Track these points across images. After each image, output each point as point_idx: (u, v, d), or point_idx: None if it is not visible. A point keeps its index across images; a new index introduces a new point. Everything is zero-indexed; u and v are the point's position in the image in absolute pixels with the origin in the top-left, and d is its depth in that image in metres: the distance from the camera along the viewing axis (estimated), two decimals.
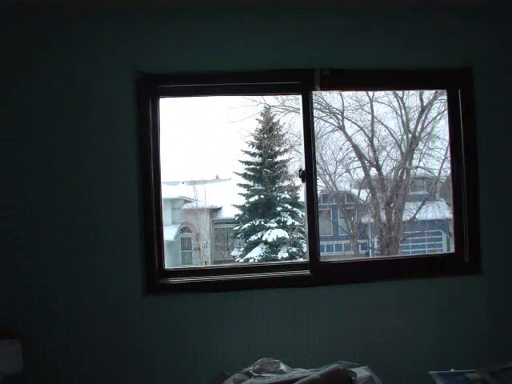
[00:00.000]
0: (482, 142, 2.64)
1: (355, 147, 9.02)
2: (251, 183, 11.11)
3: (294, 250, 10.67)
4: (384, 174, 9.10)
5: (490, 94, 2.65)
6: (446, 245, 10.44)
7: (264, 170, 10.83)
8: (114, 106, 2.49)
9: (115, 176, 2.49)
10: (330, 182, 9.32)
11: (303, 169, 2.62)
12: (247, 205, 11.02)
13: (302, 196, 10.43)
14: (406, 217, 9.31)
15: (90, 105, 2.48)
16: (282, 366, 1.78)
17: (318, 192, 2.74)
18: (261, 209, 10.94)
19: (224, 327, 2.50)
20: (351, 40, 2.61)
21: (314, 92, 2.65)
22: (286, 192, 10.84)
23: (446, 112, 2.75)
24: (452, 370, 1.81)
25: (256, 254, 10.76)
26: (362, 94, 8.61)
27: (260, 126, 10.73)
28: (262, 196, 10.87)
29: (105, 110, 2.49)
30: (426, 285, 2.61)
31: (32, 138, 2.45)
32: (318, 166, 2.85)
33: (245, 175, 11.18)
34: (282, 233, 10.73)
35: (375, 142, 9.00)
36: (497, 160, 2.65)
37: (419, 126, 8.85)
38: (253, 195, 10.94)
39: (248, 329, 2.51)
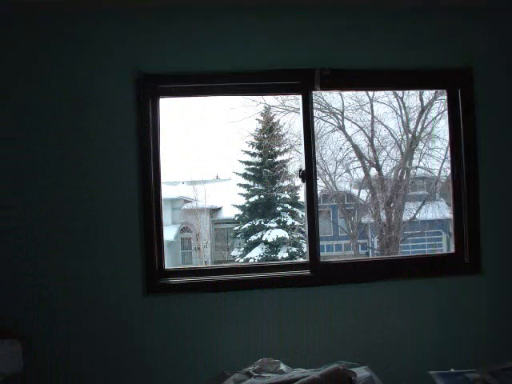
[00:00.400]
0: (482, 142, 2.64)
1: (355, 147, 9.02)
2: (251, 183, 11.11)
3: (294, 249, 10.67)
4: (384, 174, 9.10)
5: (490, 94, 2.65)
6: (445, 245, 10.44)
7: (264, 170, 10.83)
8: (113, 106, 2.49)
9: (115, 176, 2.49)
10: (330, 182, 9.32)
11: (303, 169, 2.62)
12: (247, 205, 11.02)
13: (302, 196, 10.43)
14: (406, 217, 9.30)
15: (90, 105, 2.48)
16: (282, 366, 1.78)
17: (318, 192, 2.74)
18: (261, 209, 10.94)
19: (224, 327, 2.50)
20: (351, 40, 2.61)
21: (314, 92, 2.64)
22: (285, 192, 10.84)
23: (446, 112, 2.75)
24: (452, 370, 1.81)
25: (256, 253, 10.76)
26: (362, 94, 8.61)
27: (260, 126, 10.73)
28: (262, 196, 10.86)
29: (105, 110, 2.49)
30: (426, 285, 2.61)
31: (32, 138, 2.45)
32: (318, 166, 2.85)
33: (245, 175, 11.17)
34: (282, 233, 10.73)
35: (375, 141, 9.00)
36: (497, 160, 2.65)
37: (419, 126, 8.86)
38: (253, 195, 10.94)
39: (248, 329, 2.51)
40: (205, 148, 14.32)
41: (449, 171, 3.03)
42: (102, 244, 2.47)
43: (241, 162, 11.21)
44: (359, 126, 9.00)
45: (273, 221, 10.85)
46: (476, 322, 2.61)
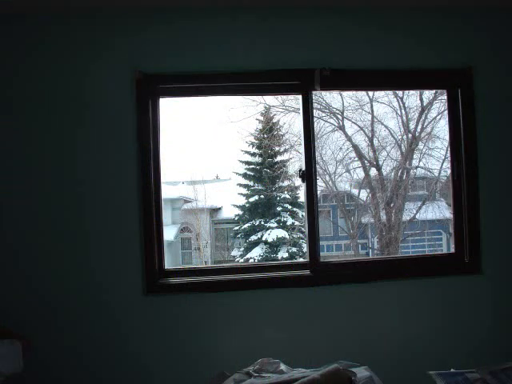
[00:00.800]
0: (482, 142, 2.64)
1: (355, 147, 9.02)
2: (251, 183, 11.11)
3: (294, 249, 10.67)
4: (384, 174, 9.11)
5: (490, 94, 2.65)
6: (446, 245, 10.45)
7: (264, 170, 10.83)
8: (113, 106, 2.49)
9: (115, 176, 2.49)
10: (330, 182, 9.32)
11: (303, 169, 2.61)
12: (247, 205, 11.02)
13: (302, 196, 10.43)
14: (406, 217, 9.31)
15: (90, 105, 2.48)
16: (282, 366, 1.77)
17: (318, 192, 2.74)
18: (261, 209, 10.95)
19: (224, 327, 2.50)
20: (351, 40, 2.61)
21: (314, 92, 2.64)
22: (285, 192, 10.84)
23: (446, 112, 2.75)
24: (452, 370, 1.81)
25: (256, 254, 10.77)
26: (362, 94, 8.62)
27: (260, 126, 10.74)
28: (262, 196, 10.87)
29: (105, 109, 2.49)
30: (426, 285, 2.61)
31: (32, 138, 2.45)
32: (318, 166, 2.85)
33: (245, 175, 11.18)
34: (282, 233, 10.74)
35: (375, 141, 9.01)
36: (497, 160, 2.65)
37: (419, 126, 8.87)
38: (253, 195, 10.95)
39: (248, 329, 2.51)
40: (205, 148, 14.35)
41: (449, 171, 3.03)
42: (103, 244, 2.47)
43: (241, 162, 11.22)
44: (359, 126, 9.01)
45: (273, 221, 10.86)
46: (476, 321, 2.60)
